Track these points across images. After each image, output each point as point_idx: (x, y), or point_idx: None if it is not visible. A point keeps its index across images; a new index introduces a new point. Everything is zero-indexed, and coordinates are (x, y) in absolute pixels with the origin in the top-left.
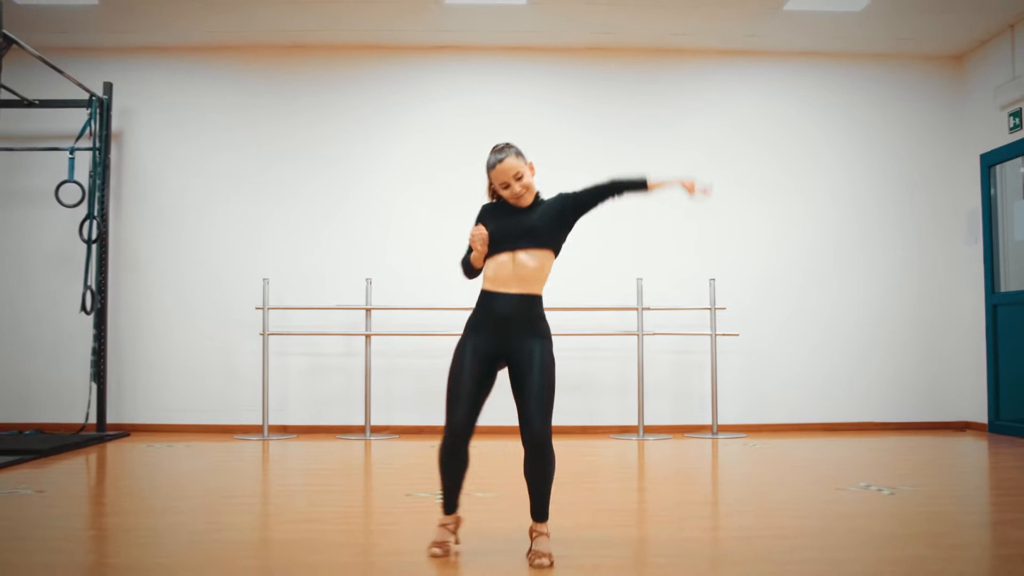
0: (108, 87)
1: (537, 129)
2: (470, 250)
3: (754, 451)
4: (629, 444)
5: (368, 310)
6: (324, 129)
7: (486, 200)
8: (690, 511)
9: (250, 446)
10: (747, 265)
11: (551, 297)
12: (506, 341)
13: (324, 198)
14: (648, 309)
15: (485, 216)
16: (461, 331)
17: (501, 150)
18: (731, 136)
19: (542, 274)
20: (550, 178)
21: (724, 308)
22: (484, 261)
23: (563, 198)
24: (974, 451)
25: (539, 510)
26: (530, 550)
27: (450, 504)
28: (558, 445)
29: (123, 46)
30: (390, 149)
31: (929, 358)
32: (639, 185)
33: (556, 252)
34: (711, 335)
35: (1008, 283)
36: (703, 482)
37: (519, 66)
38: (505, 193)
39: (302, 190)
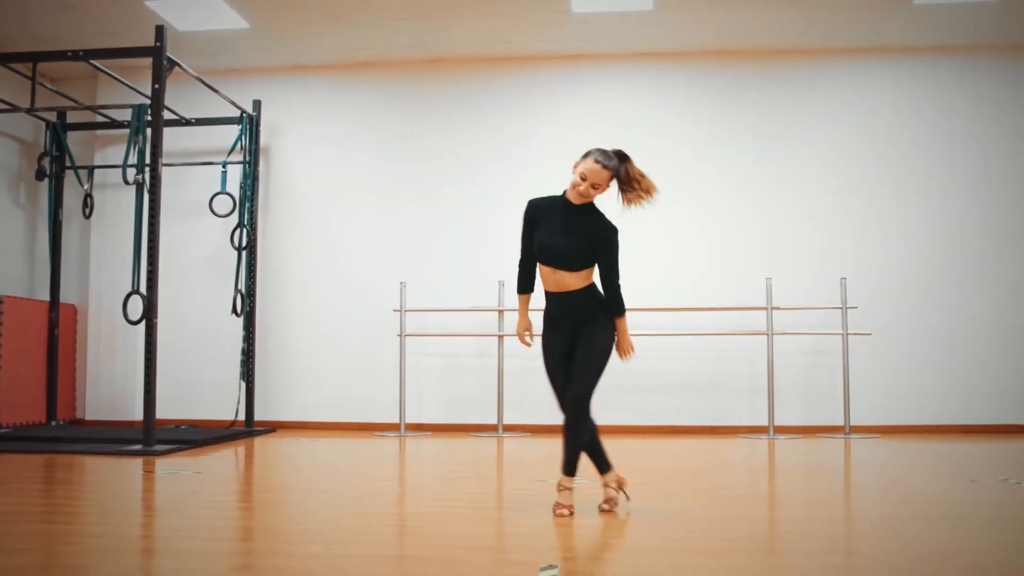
0: (257, 105)
1: (663, 135)
2: (522, 278)
3: (887, 448)
4: (759, 443)
5: (500, 311)
6: (458, 138)
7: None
8: (820, 497)
9: (388, 442)
10: (878, 264)
11: (680, 297)
12: (571, 325)
13: (458, 204)
14: (777, 309)
15: (534, 216)
16: None
17: (609, 158)
18: (860, 135)
19: (581, 280)
20: (670, 178)
21: (856, 307)
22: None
23: (602, 234)
24: None
25: (568, 464)
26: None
27: (570, 467)
28: (685, 444)
29: (270, 66)
30: (521, 155)
31: None
32: (617, 311)
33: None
34: (842, 334)
35: None
36: (836, 476)
37: (646, 73)
38: (580, 185)
39: (437, 196)
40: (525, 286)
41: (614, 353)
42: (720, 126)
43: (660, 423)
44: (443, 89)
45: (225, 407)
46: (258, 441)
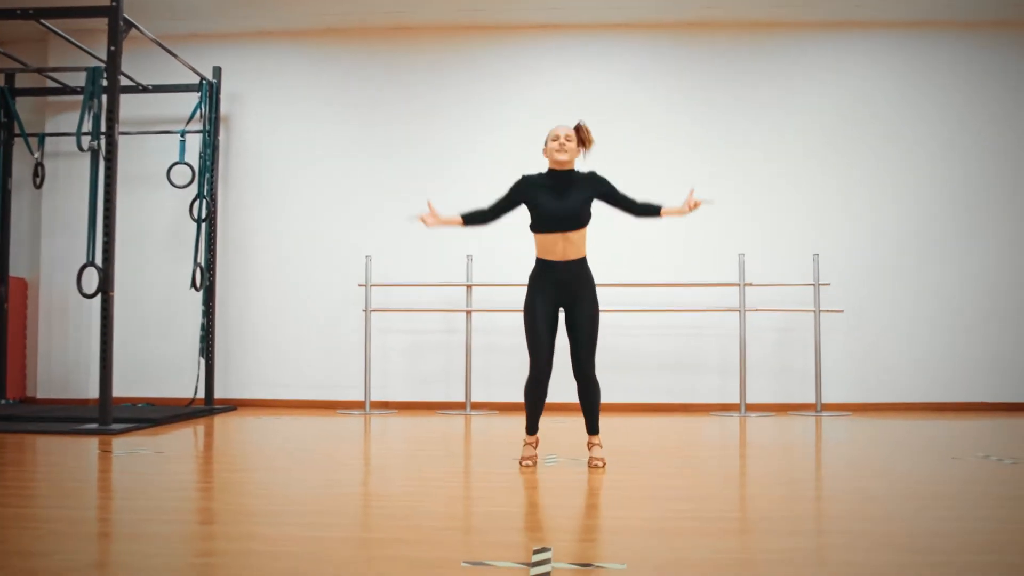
0: (217, 71)
1: (639, 108)
2: (475, 213)
3: (861, 425)
4: (731, 421)
5: (469, 287)
6: (426, 109)
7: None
8: (802, 476)
9: (353, 420)
10: (851, 241)
11: (651, 274)
12: (564, 295)
13: (425, 176)
14: (750, 285)
15: (527, 189)
16: None
17: (565, 125)
18: (837, 110)
19: (584, 243)
20: (649, 156)
21: (828, 284)
22: (534, 235)
23: (598, 182)
24: None
25: (592, 426)
26: (589, 457)
27: (532, 427)
28: (657, 422)
29: (231, 31)
30: (492, 128)
31: None
32: (655, 211)
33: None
34: (815, 311)
35: None
36: (816, 454)
37: (620, 45)
38: (552, 145)
39: (404, 168)
40: (471, 218)
41: None
42: (694, 101)
43: (631, 400)
44: (412, 58)
45: (183, 385)
46: (218, 420)
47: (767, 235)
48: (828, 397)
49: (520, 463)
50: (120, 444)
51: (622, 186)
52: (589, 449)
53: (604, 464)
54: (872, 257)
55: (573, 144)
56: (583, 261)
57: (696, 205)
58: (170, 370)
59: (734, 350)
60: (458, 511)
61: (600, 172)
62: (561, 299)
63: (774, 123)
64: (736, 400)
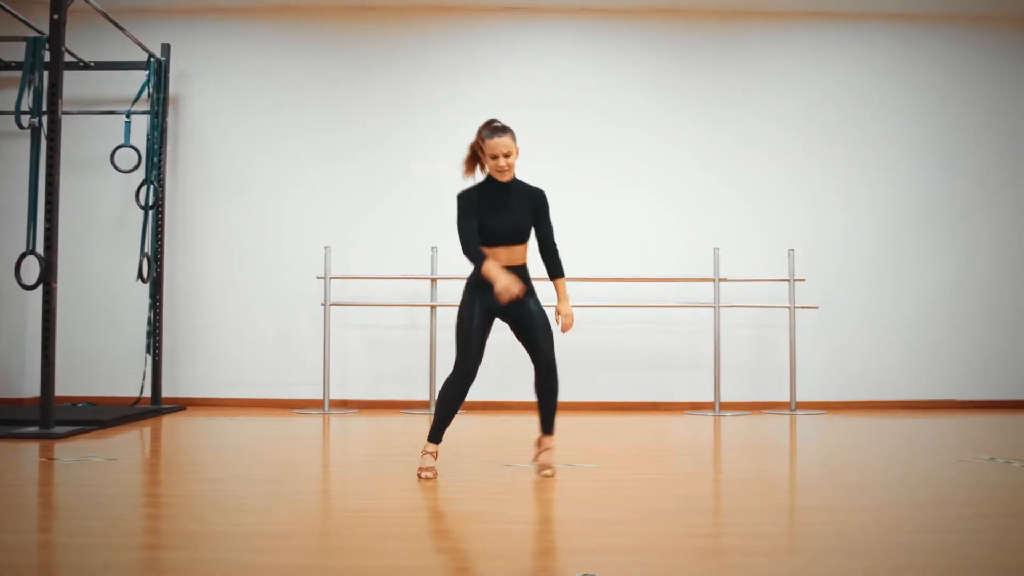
0: (166, 49)
1: (613, 97)
2: (476, 260)
3: (841, 425)
4: (706, 420)
5: (433, 280)
6: (388, 93)
7: (468, 181)
8: (815, 481)
9: (311, 420)
10: (826, 236)
11: (624, 268)
12: (507, 303)
13: (388, 163)
14: (725, 280)
15: (472, 205)
16: None
17: (502, 129)
18: (812, 105)
19: (526, 252)
20: (617, 141)
21: (803, 280)
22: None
23: (537, 201)
24: None
25: (548, 424)
26: (539, 463)
27: (437, 435)
28: (629, 421)
29: (182, 7)
30: (457, 113)
31: (1015, 333)
32: (551, 271)
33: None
34: (789, 308)
35: None
36: (812, 456)
37: (593, 31)
38: (492, 163)
39: (365, 155)
40: (482, 252)
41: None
42: (669, 90)
43: (600, 399)
44: (375, 40)
45: (128, 383)
46: (167, 421)
47: (742, 230)
48: (802, 395)
49: (419, 475)
50: (64, 450)
51: (554, 219)
52: (538, 448)
53: (554, 473)
54: (847, 254)
55: (513, 160)
56: (524, 268)
57: (564, 327)
58: (113, 367)
59: (707, 347)
60: (430, 528)
61: (544, 193)
62: (501, 308)
63: (750, 116)
64: (709, 399)
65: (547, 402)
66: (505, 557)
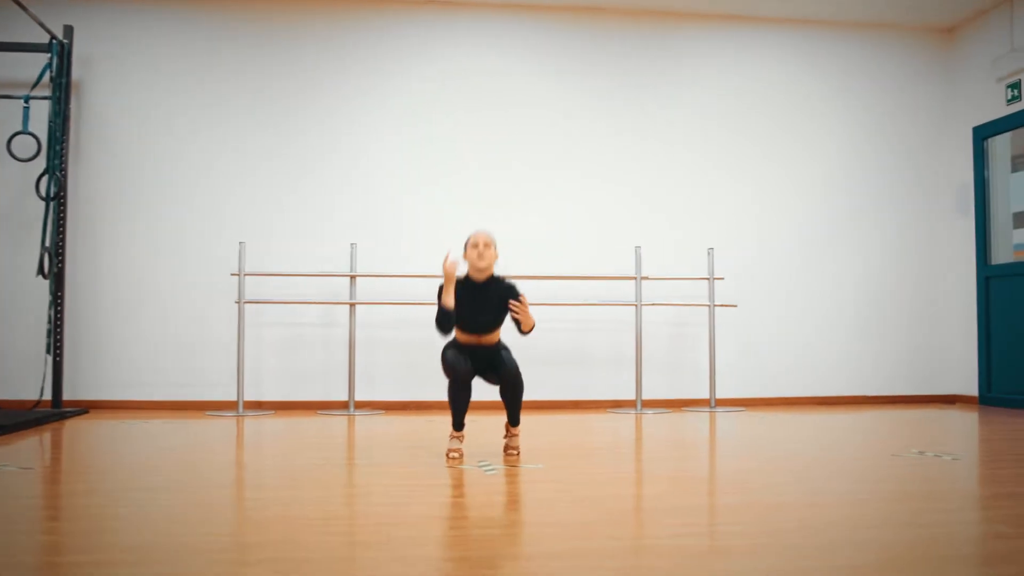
0: (68, 30)
1: (529, 96)
2: (442, 306)
3: (772, 423)
4: (628, 418)
5: (352, 277)
6: (306, 83)
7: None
8: (761, 479)
9: (224, 422)
10: (743, 236)
11: (546, 266)
12: (482, 363)
13: (305, 157)
14: (647, 279)
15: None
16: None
17: (483, 231)
18: (721, 104)
19: (499, 333)
20: (537, 141)
21: (722, 278)
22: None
23: (511, 294)
24: (988, 423)
25: (514, 418)
26: (505, 445)
27: (459, 424)
28: (551, 420)
29: None
30: (376, 106)
31: (919, 331)
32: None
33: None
34: (709, 306)
35: (999, 255)
36: (751, 453)
37: (510, 26)
38: (472, 252)
39: (281, 148)
40: (447, 329)
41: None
42: (590, 91)
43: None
44: (293, 28)
45: (27, 385)
46: (69, 425)
47: (663, 229)
48: (721, 392)
49: (447, 455)
50: None
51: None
52: (506, 433)
53: (519, 452)
54: (763, 254)
55: (490, 253)
56: (499, 344)
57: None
58: (11, 368)
59: (628, 345)
60: (357, 540)
61: (515, 287)
62: (478, 366)
63: (672, 116)
64: (630, 396)
65: (512, 400)
66: (485, 565)
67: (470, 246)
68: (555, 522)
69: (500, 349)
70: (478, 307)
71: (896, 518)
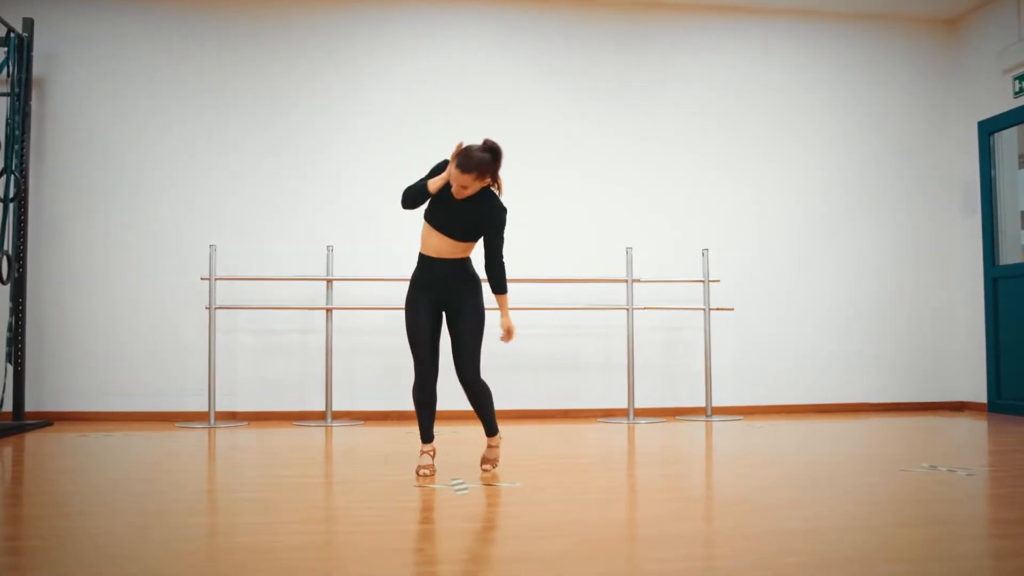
0: (29, 24)
1: (514, 93)
2: (423, 181)
3: (773, 433)
4: (620, 428)
5: (329, 281)
6: (279, 81)
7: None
8: (760, 499)
9: (195, 434)
10: (740, 237)
11: (534, 268)
12: (445, 292)
13: (279, 157)
14: (639, 281)
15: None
16: None
17: (468, 159)
18: (718, 99)
19: (469, 250)
20: (527, 141)
21: (718, 281)
22: (427, 219)
23: (491, 216)
24: (1000, 432)
25: (489, 427)
26: (482, 459)
27: (426, 435)
28: (539, 430)
29: None
30: (357, 104)
31: (925, 335)
32: (495, 287)
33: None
34: (704, 309)
35: (1007, 256)
36: (752, 466)
37: (493, 18)
38: (454, 186)
39: (254, 148)
40: (416, 202)
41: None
42: (581, 90)
43: (510, 407)
44: (266, 26)
45: None
46: (31, 438)
47: (655, 230)
48: (717, 399)
49: (417, 472)
50: None
51: (504, 240)
52: (487, 447)
53: (495, 466)
54: (760, 254)
55: (469, 192)
56: (466, 261)
57: (503, 338)
58: None
59: (620, 351)
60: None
61: (503, 212)
62: (442, 295)
63: (664, 115)
64: (623, 405)
65: (481, 410)
66: None
67: (455, 173)
68: (527, 556)
69: (469, 279)
70: (456, 211)
71: (916, 550)
